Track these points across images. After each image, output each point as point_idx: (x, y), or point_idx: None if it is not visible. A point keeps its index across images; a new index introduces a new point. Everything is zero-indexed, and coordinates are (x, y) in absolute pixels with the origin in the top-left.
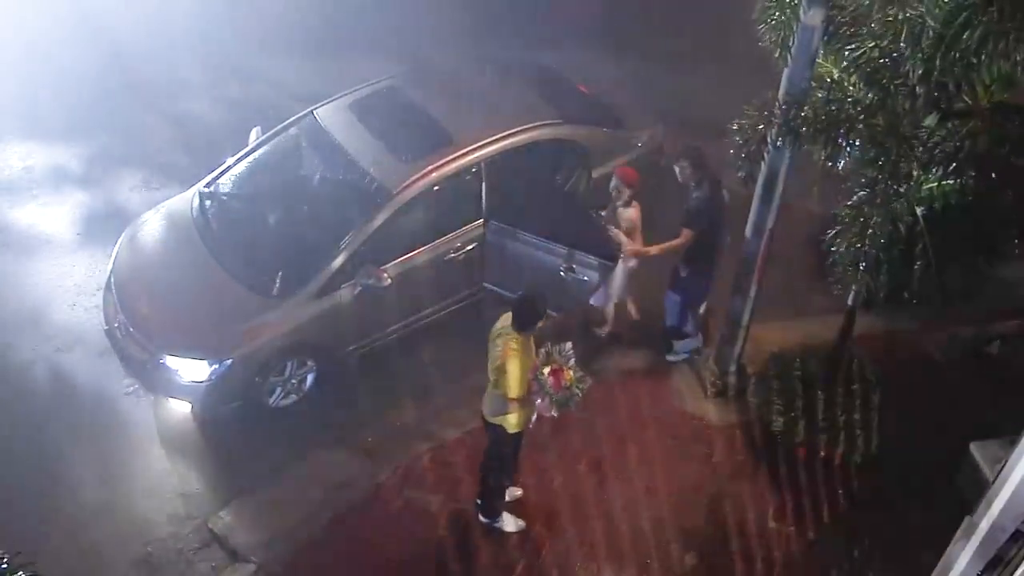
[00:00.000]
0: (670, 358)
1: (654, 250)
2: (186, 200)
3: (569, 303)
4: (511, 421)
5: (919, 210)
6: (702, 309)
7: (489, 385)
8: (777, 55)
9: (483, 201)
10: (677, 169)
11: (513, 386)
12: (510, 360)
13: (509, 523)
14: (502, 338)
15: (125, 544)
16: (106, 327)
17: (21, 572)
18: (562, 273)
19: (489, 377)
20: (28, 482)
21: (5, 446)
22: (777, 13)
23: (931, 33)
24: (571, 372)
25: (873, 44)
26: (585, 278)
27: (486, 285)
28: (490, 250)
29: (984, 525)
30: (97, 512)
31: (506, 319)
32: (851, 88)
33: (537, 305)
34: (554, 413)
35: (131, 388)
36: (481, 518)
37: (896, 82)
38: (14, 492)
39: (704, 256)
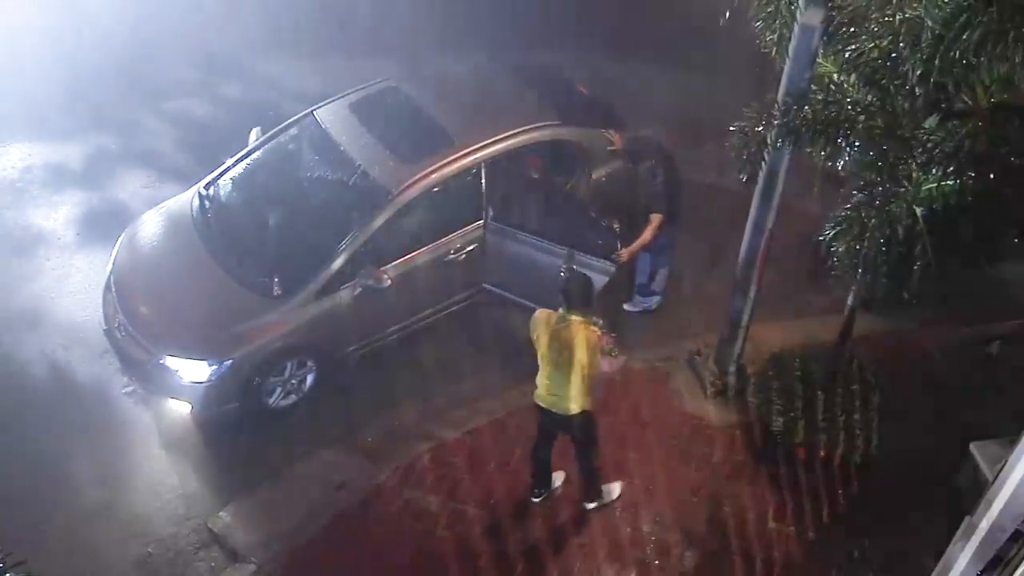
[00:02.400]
0: (627, 307)
1: (644, 239)
2: (186, 200)
3: None
4: (591, 397)
5: (918, 211)
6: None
7: (560, 381)
8: (774, 52)
9: (483, 202)
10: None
11: (598, 361)
12: (591, 341)
13: (615, 490)
14: (572, 326)
15: (125, 544)
16: (105, 327)
17: (11, 573)
18: (562, 273)
19: (563, 372)
20: (27, 482)
21: (4, 446)
22: (771, 8)
23: (930, 34)
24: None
25: (872, 45)
26: None
27: (485, 286)
28: (490, 251)
29: (984, 525)
30: (97, 512)
31: (548, 313)
32: (850, 89)
33: (587, 281)
34: (623, 359)
35: (130, 388)
36: (588, 505)
37: (895, 83)
38: (13, 492)
39: (669, 223)
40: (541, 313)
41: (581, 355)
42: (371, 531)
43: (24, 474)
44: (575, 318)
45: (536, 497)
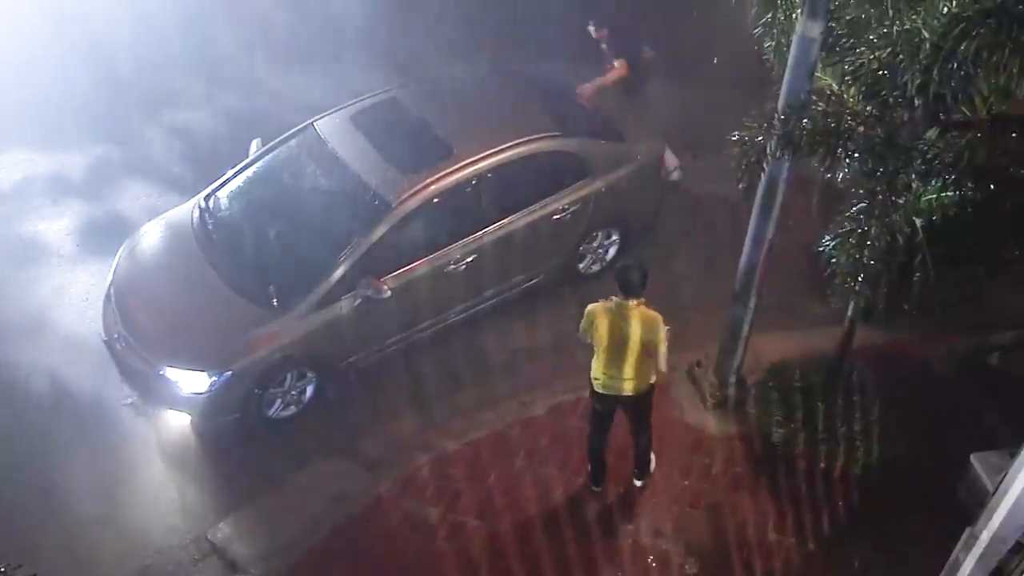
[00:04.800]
0: None
1: (606, 80)
2: (186, 211)
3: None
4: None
5: (918, 221)
6: None
7: (623, 364)
8: (772, 59)
9: (482, 213)
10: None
11: (663, 337)
12: (655, 321)
13: (653, 460)
14: (633, 310)
15: (124, 556)
16: (105, 338)
17: None
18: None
19: (627, 355)
20: (27, 494)
21: (4, 457)
22: (770, 16)
23: (928, 45)
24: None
25: (872, 56)
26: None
27: (486, 294)
28: (489, 257)
29: (985, 536)
30: (96, 524)
31: (603, 304)
32: (850, 100)
33: (641, 268)
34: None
35: (130, 399)
36: (638, 483)
37: (894, 94)
38: (12, 504)
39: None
40: (596, 305)
41: (639, 336)
42: (371, 543)
43: (23, 485)
44: (633, 303)
45: (597, 487)
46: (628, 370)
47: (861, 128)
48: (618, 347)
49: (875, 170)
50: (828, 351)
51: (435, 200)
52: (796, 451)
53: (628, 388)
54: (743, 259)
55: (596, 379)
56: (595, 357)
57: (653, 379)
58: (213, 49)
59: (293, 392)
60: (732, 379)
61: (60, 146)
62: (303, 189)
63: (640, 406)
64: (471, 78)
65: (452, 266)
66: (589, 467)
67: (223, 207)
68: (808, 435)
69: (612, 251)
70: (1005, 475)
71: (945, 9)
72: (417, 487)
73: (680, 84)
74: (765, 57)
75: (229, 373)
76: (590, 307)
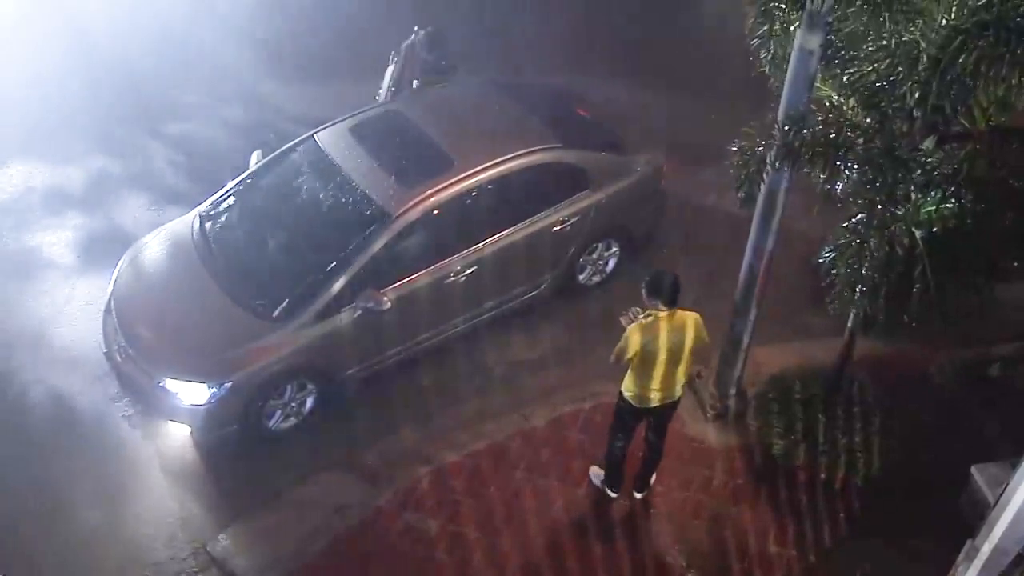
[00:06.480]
0: None
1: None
2: (186, 223)
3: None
4: None
5: (918, 233)
6: None
7: (675, 371)
8: (769, 71)
9: (482, 224)
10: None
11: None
12: (699, 320)
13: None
14: (680, 316)
15: (123, 568)
16: (106, 350)
17: None
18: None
19: (679, 361)
20: (26, 505)
21: (2, 469)
22: (766, 26)
23: (926, 58)
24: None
25: (870, 68)
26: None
27: (486, 306)
28: (490, 270)
29: (986, 548)
30: (95, 536)
31: (643, 322)
32: (849, 111)
33: (673, 274)
34: None
35: (130, 411)
36: (639, 495)
37: (893, 105)
38: (11, 516)
39: None
40: (636, 326)
41: (693, 339)
42: (370, 555)
43: (21, 497)
44: (674, 310)
45: (616, 491)
46: (681, 375)
47: (860, 139)
48: (675, 358)
49: (874, 181)
50: (828, 362)
51: (435, 212)
52: (796, 462)
53: (679, 391)
54: (743, 270)
55: (642, 395)
56: (638, 374)
57: None
58: (214, 61)
59: (293, 404)
60: (732, 390)
61: (61, 158)
62: (303, 201)
63: (670, 412)
64: (471, 89)
65: (452, 278)
66: (604, 474)
67: (223, 218)
68: (808, 446)
69: (612, 263)
70: (1006, 487)
71: (943, 22)
72: (417, 499)
73: (678, 93)
74: (761, 69)
75: (229, 384)
76: (633, 330)
